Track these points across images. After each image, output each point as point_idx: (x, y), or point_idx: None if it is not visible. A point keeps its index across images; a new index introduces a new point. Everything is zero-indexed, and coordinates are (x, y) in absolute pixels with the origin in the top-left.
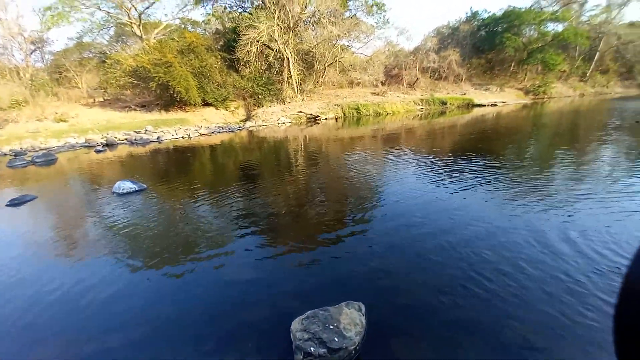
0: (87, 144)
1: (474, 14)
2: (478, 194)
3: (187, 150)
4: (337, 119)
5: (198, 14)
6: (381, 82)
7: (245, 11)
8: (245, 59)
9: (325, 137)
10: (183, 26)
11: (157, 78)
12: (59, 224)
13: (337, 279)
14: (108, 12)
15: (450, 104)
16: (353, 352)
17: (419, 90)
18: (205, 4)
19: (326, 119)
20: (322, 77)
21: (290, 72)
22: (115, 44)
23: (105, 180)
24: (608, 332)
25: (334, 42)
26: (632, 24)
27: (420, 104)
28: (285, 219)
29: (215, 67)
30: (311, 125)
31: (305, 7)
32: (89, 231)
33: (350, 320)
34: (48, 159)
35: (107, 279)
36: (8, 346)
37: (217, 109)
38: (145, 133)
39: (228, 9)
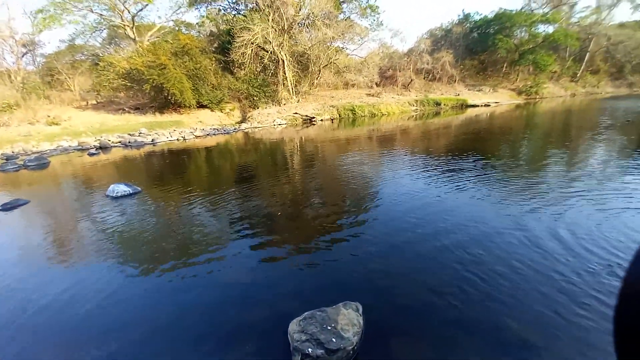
0: (80, 147)
1: (466, 16)
2: (473, 194)
3: (182, 153)
4: (332, 120)
5: (192, 16)
6: (376, 84)
7: (239, 13)
8: (240, 61)
9: (321, 138)
10: (177, 28)
11: (151, 80)
12: (52, 229)
13: (334, 280)
14: (100, 15)
15: (444, 104)
16: (351, 352)
17: (414, 92)
18: (199, 6)
19: (322, 120)
20: (317, 78)
21: (285, 73)
22: (108, 46)
23: (99, 183)
24: (603, 330)
25: (328, 44)
26: (621, 25)
27: (415, 104)
28: (281, 221)
29: (210, 69)
30: (307, 127)
31: (300, 9)
32: (82, 235)
33: (348, 320)
34: (40, 162)
35: (103, 283)
36: (6, 350)
37: (212, 110)
38: (139, 136)
39: (222, 11)
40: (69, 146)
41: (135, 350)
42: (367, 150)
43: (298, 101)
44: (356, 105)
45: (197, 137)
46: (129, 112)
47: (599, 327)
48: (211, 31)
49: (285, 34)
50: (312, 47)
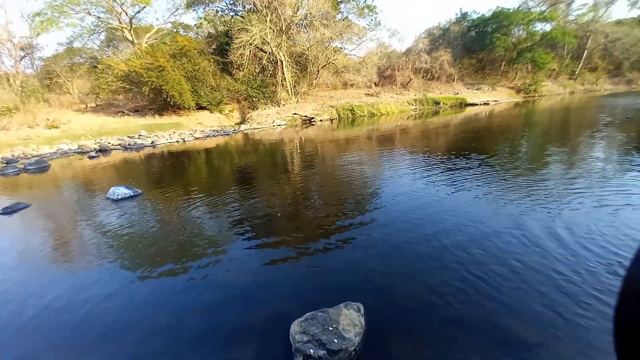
0: (80, 150)
1: (464, 15)
2: (472, 193)
3: (182, 155)
4: (332, 120)
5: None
6: (375, 83)
7: (237, 15)
8: (238, 62)
9: (321, 138)
10: (175, 30)
11: (149, 82)
12: (53, 232)
13: (336, 281)
14: (98, 17)
15: (443, 103)
16: (353, 353)
17: (412, 91)
18: (196, 8)
19: (321, 120)
20: (316, 79)
21: (284, 74)
22: (106, 48)
23: (99, 186)
24: (603, 330)
25: (326, 44)
26: (619, 22)
27: (414, 104)
28: (282, 222)
29: (209, 71)
30: (306, 127)
31: (297, 10)
32: (83, 238)
33: (350, 321)
34: (40, 166)
35: (104, 285)
36: (5, 352)
37: (211, 112)
38: (139, 138)
39: (220, 12)
40: (69, 149)
41: (136, 351)
42: (367, 150)
43: (297, 102)
44: (355, 105)
45: (196, 138)
46: (128, 115)
47: (599, 326)
48: (209, 33)
49: (283, 35)
50: (310, 47)
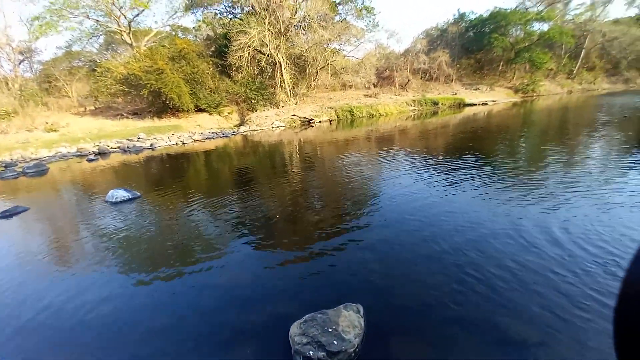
0: (78, 153)
1: (462, 16)
2: (471, 194)
3: (181, 157)
4: (331, 121)
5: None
6: (373, 84)
7: (235, 17)
8: (237, 64)
9: (320, 140)
10: (173, 33)
11: (148, 85)
12: (52, 235)
13: (335, 282)
14: (97, 21)
15: (442, 104)
16: (352, 354)
17: (411, 92)
18: (195, 11)
19: (320, 121)
20: (314, 80)
21: (282, 76)
22: (105, 52)
23: (98, 189)
24: (602, 330)
25: (325, 45)
26: (616, 21)
27: (413, 104)
28: (281, 223)
29: (208, 73)
30: (305, 129)
31: (296, 12)
32: (82, 241)
33: (349, 322)
34: (39, 169)
35: (103, 288)
36: (4, 352)
37: (210, 114)
38: (138, 140)
39: (218, 15)
40: (68, 152)
41: (135, 353)
42: (366, 151)
43: (296, 103)
44: (354, 106)
45: (195, 141)
46: (127, 118)
47: (598, 327)
48: (208, 35)
49: (282, 37)
50: (308, 49)
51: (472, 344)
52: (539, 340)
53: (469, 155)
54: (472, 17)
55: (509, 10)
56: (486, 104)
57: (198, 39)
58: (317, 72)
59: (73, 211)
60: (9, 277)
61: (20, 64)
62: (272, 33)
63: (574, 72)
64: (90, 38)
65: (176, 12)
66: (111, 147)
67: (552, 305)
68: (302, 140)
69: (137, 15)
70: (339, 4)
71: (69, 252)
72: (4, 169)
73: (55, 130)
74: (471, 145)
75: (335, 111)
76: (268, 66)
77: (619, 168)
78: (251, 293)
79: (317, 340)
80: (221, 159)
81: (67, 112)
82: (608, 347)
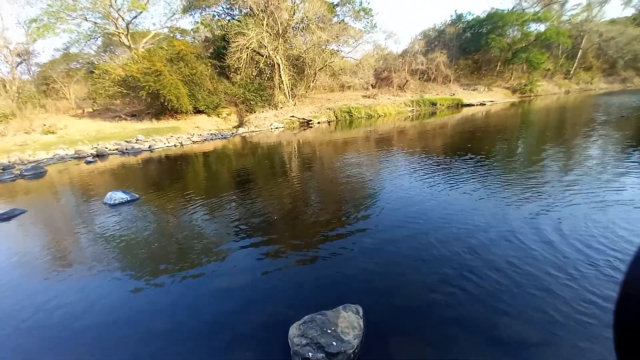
0: (77, 155)
1: (459, 17)
2: (469, 194)
3: (179, 159)
4: (329, 122)
5: (186, 22)
6: (372, 85)
7: (233, 19)
8: (235, 65)
9: (319, 140)
10: (172, 35)
11: (147, 87)
12: (50, 238)
13: (334, 283)
14: (95, 23)
15: (440, 104)
16: (352, 355)
17: (409, 92)
18: (193, 13)
19: (319, 122)
20: (313, 81)
21: (281, 77)
22: (103, 54)
23: (96, 191)
24: (602, 330)
25: (323, 47)
26: (613, 21)
27: (411, 105)
28: (280, 225)
29: (206, 75)
30: (304, 130)
31: (294, 13)
32: (80, 244)
33: (348, 323)
34: (37, 171)
35: (101, 290)
36: (3, 354)
37: (209, 116)
38: (136, 142)
39: (216, 16)
40: (66, 154)
41: (134, 353)
42: (365, 152)
43: (295, 104)
44: (353, 107)
45: (194, 142)
46: (125, 119)
47: (599, 327)
48: (206, 37)
49: (280, 38)
50: (307, 50)
51: (471, 344)
52: (539, 340)
53: (468, 156)
54: (470, 18)
55: (505, 11)
56: (484, 104)
57: (196, 41)
58: (315, 73)
59: (71, 213)
60: (8, 279)
61: (17, 66)
62: (270, 34)
63: (571, 72)
64: (88, 40)
65: (174, 14)
66: (109, 149)
67: (551, 305)
68: (300, 141)
69: (135, 17)
70: (337, 5)
71: (67, 254)
72: (1, 171)
73: (53, 133)
74: (469, 146)
75: (334, 112)
76: (266, 67)
77: (618, 168)
78: (250, 294)
79: (316, 342)
80: (220, 161)
81: (65, 114)
82: (608, 347)
